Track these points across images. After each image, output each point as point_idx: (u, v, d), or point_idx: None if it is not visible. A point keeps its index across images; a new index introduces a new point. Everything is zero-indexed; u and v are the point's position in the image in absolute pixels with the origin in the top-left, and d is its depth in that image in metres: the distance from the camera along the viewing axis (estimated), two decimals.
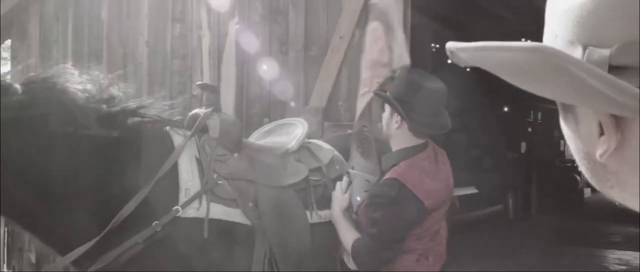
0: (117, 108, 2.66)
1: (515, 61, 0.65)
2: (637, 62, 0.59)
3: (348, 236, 2.80)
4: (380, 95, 2.97)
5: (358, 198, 2.86)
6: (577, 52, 0.65)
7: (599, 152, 0.67)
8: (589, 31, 0.64)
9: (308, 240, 2.87)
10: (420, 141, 2.81)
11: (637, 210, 0.70)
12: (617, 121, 0.64)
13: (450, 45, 0.71)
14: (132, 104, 2.75)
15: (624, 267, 7.84)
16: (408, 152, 2.77)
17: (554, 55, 0.60)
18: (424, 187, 2.66)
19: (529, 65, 0.64)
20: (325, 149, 3.18)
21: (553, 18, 0.71)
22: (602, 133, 0.66)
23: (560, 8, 0.69)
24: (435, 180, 2.75)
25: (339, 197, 2.93)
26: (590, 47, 0.64)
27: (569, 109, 0.71)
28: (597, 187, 0.73)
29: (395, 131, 2.81)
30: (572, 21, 0.66)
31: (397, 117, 2.77)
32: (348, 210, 2.90)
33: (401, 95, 2.75)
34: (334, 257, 2.94)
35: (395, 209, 2.62)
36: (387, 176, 2.72)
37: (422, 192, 2.63)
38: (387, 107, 2.86)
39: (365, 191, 2.87)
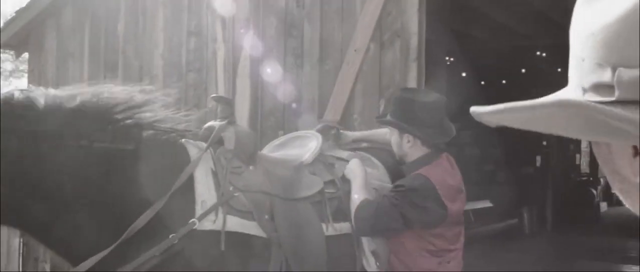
0: (132, 121, 2.66)
1: (542, 118, 0.66)
2: None
3: (360, 192, 2.91)
4: (386, 122, 3.13)
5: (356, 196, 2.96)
6: (606, 75, 0.65)
7: (634, 173, 0.67)
8: (617, 52, 0.64)
9: (324, 252, 2.86)
10: (433, 150, 2.98)
11: None
12: None
13: (474, 109, 0.72)
14: (147, 116, 2.76)
15: None
16: (426, 159, 2.94)
17: (581, 108, 0.61)
18: (445, 184, 2.85)
19: (557, 120, 0.65)
20: (341, 161, 3.18)
21: (578, 42, 0.71)
22: (636, 154, 0.66)
23: (585, 31, 0.69)
24: (453, 180, 2.95)
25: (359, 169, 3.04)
26: (620, 68, 0.63)
27: None
28: (631, 208, 0.73)
29: (409, 150, 2.97)
30: (598, 44, 0.66)
31: (408, 137, 2.93)
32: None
33: (404, 115, 2.93)
34: (350, 269, 2.93)
35: (416, 193, 2.78)
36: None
37: (444, 189, 2.82)
38: (394, 131, 3.01)
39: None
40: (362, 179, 2.98)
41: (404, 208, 2.79)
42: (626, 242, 10.01)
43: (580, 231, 11.68)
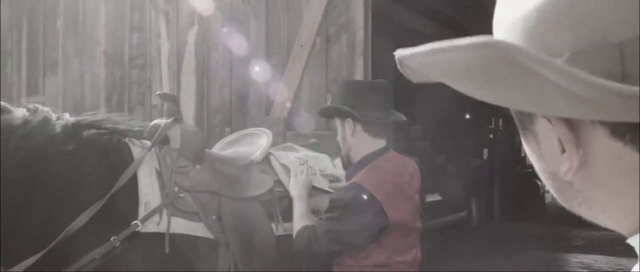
0: (71, 121, 2.55)
1: (465, 61, 0.62)
2: (591, 70, 0.56)
3: (300, 221, 2.69)
4: (326, 109, 2.94)
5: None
6: None
7: (563, 170, 0.66)
8: (538, 42, 0.63)
9: (273, 253, 2.80)
10: (380, 146, 2.73)
11: (607, 226, 0.69)
12: (578, 138, 0.63)
13: (398, 53, 0.67)
14: (87, 117, 2.65)
15: (585, 270, 7.94)
16: (369, 158, 2.69)
17: (506, 49, 0.57)
18: (384, 188, 2.57)
19: (480, 64, 0.60)
20: (292, 158, 3.13)
21: (501, 31, 0.69)
22: (564, 150, 0.65)
23: (506, 21, 0.67)
24: (399, 182, 2.66)
25: (302, 177, 2.88)
26: None
27: (528, 128, 0.70)
28: (565, 206, 0.72)
29: (352, 140, 2.73)
30: (518, 34, 0.65)
31: (349, 123, 2.71)
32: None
33: (344, 98, 2.72)
34: (301, 269, 2.87)
35: (351, 209, 2.51)
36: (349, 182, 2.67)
37: (381, 193, 2.53)
38: (337, 121, 2.80)
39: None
40: (302, 205, 2.78)
41: (339, 229, 2.52)
42: (570, 231, 10.29)
43: (526, 221, 11.95)
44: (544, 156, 0.70)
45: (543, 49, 0.61)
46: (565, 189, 0.70)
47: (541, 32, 0.62)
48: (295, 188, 2.86)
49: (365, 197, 2.50)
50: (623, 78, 0.57)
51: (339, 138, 2.81)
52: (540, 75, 0.56)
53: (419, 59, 0.65)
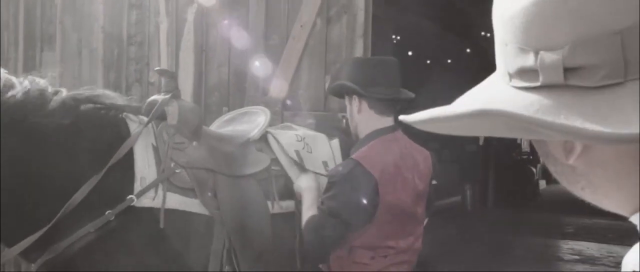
0: (68, 95, 2.55)
1: (465, 126, 0.66)
2: (593, 60, 0.58)
3: (308, 212, 2.66)
4: (334, 86, 2.92)
5: None
6: (529, 59, 0.64)
7: (565, 155, 0.68)
8: (537, 36, 0.63)
9: (268, 231, 2.81)
10: (387, 124, 2.72)
11: (609, 210, 0.70)
12: None
13: (403, 118, 0.74)
14: (84, 91, 2.65)
15: (577, 257, 8.00)
16: (372, 136, 2.68)
17: (501, 116, 0.60)
18: (382, 166, 2.53)
19: (480, 127, 0.65)
20: (290, 135, 3.13)
21: (500, 26, 0.70)
22: None
23: (505, 15, 0.68)
24: (398, 164, 2.62)
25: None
26: (542, 52, 0.62)
27: None
28: (569, 189, 0.73)
29: (358, 117, 2.73)
30: (518, 28, 0.65)
31: (355, 100, 2.71)
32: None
33: (350, 78, 2.70)
34: (294, 248, 2.88)
35: (347, 184, 2.50)
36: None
37: (378, 171, 2.50)
38: (346, 99, 2.80)
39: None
40: (311, 196, 2.73)
41: (338, 207, 2.48)
42: (563, 218, 10.36)
43: (519, 207, 12.01)
44: (547, 141, 0.71)
45: (543, 42, 0.62)
46: (568, 173, 0.71)
47: (540, 26, 0.63)
48: (304, 180, 2.86)
49: (360, 173, 2.49)
50: (626, 67, 0.57)
51: (347, 115, 2.83)
52: (537, 130, 0.59)
53: (422, 125, 0.70)
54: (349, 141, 3.06)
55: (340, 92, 2.88)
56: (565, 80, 0.60)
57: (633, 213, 0.66)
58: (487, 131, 0.67)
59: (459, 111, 0.63)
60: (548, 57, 0.61)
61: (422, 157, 2.79)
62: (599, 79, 0.58)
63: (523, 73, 0.65)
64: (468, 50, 12.90)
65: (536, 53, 0.63)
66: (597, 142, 0.57)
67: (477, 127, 0.66)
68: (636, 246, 0.67)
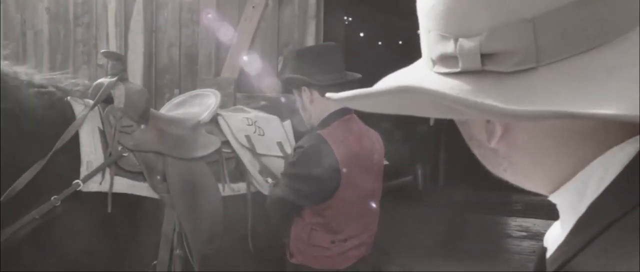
0: (9, 78, 2.47)
1: (388, 103, 0.68)
2: (507, 46, 0.60)
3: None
4: (283, 81, 2.95)
5: None
6: (449, 46, 0.66)
7: (487, 138, 0.70)
8: (456, 23, 0.65)
9: (220, 214, 2.80)
10: (341, 106, 2.68)
11: (530, 189, 0.74)
12: None
13: (329, 96, 0.77)
14: (27, 73, 2.57)
15: (524, 233, 8.20)
16: (333, 117, 2.68)
17: (421, 93, 0.62)
18: (345, 146, 2.58)
19: (402, 104, 0.67)
20: (240, 118, 3.11)
21: (423, 14, 0.72)
22: (488, 120, 0.69)
23: (428, 3, 0.70)
24: (358, 145, 2.66)
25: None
26: (461, 39, 0.64)
27: None
28: (493, 172, 0.76)
29: (312, 107, 2.73)
30: (439, 15, 0.67)
31: (306, 91, 2.71)
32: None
33: (297, 70, 2.71)
34: (246, 231, 2.88)
35: (313, 155, 2.54)
36: None
37: (341, 150, 2.55)
38: (295, 92, 2.79)
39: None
40: None
41: (295, 173, 2.57)
42: (511, 196, 10.59)
43: (470, 186, 12.23)
44: (470, 125, 0.74)
45: (462, 29, 0.64)
46: (491, 156, 0.74)
47: (460, 13, 0.65)
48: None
49: (324, 148, 2.53)
50: (537, 53, 0.59)
51: (299, 108, 2.81)
52: (456, 108, 0.61)
53: (346, 102, 0.71)
54: (302, 122, 3.05)
55: (289, 86, 2.87)
56: (483, 66, 0.63)
57: (551, 192, 0.69)
58: (412, 110, 0.69)
59: (382, 88, 0.65)
60: (466, 43, 0.64)
61: (374, 138, 2.83)
62: (514, 64, 0.60)
63: (444, 59, 0.67)
64: (418, 32, 12.97)
65: (456, 40, 0.65)
66: (512, 119, 0.59)
67: (403, 106, 0.68)
68: (557, 223, 0.70)
